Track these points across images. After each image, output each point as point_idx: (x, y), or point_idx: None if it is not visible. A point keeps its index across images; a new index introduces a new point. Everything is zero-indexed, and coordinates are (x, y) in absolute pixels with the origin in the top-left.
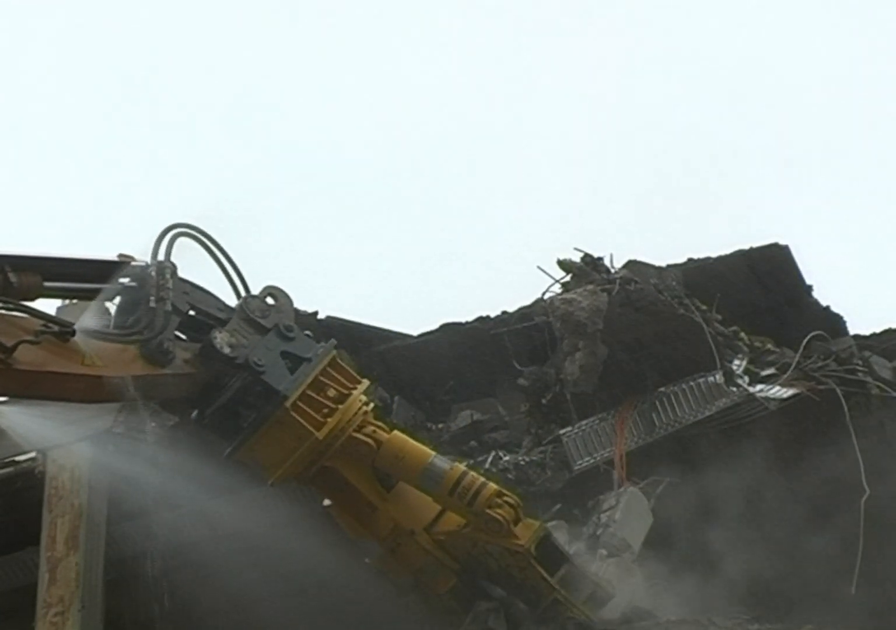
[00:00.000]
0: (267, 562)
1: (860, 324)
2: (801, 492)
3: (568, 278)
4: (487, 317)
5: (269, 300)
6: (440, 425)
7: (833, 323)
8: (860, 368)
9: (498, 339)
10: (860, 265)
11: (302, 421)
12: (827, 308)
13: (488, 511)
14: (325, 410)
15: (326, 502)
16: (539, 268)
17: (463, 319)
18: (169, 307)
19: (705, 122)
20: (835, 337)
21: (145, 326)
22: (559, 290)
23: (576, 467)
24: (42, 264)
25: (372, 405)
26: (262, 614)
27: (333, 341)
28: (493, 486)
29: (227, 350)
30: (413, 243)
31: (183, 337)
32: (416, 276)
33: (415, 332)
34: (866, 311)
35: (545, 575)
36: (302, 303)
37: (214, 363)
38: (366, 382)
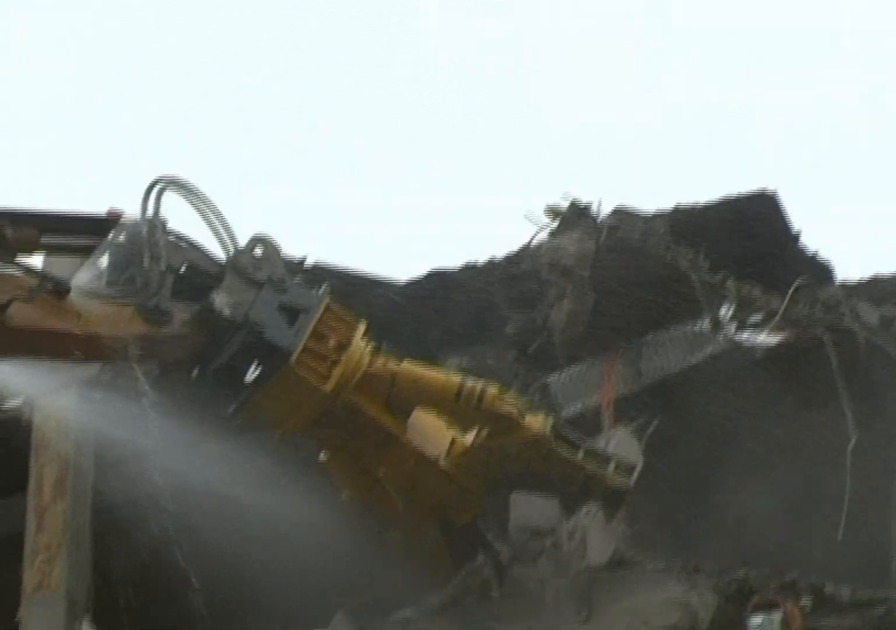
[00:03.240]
0: (253, 507)
1: (847, 271)
2: (786, 439)
3: (555, 225)
4: (475, 264)
5: (258, 251)
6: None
7: (820, 270)
8: (847, 315)
9: (485, 286)
10: (847, 212)
11: (308, 376)
12: (814, 255)
13: (497, 408)
14: (329, 362)
15: (322, 457)
16: (526, 214)
17: (450, 266)
18: (163, 266)
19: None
20: (822, 284)
21: (141, 287)
22: (546, 238)
23: (563, 414)
24: (39, 219)
25: (371, 346)
26: (247, 560)
27: (327, 288)
28: (492, 386)
29: (226, 311)
30: (400, 191)
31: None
32: (403, 224)
33: (402, 280)
34: (853, 258)
35: (569, 456)
36: (290, 250)
37: (214, 325)
38: (362, 325)
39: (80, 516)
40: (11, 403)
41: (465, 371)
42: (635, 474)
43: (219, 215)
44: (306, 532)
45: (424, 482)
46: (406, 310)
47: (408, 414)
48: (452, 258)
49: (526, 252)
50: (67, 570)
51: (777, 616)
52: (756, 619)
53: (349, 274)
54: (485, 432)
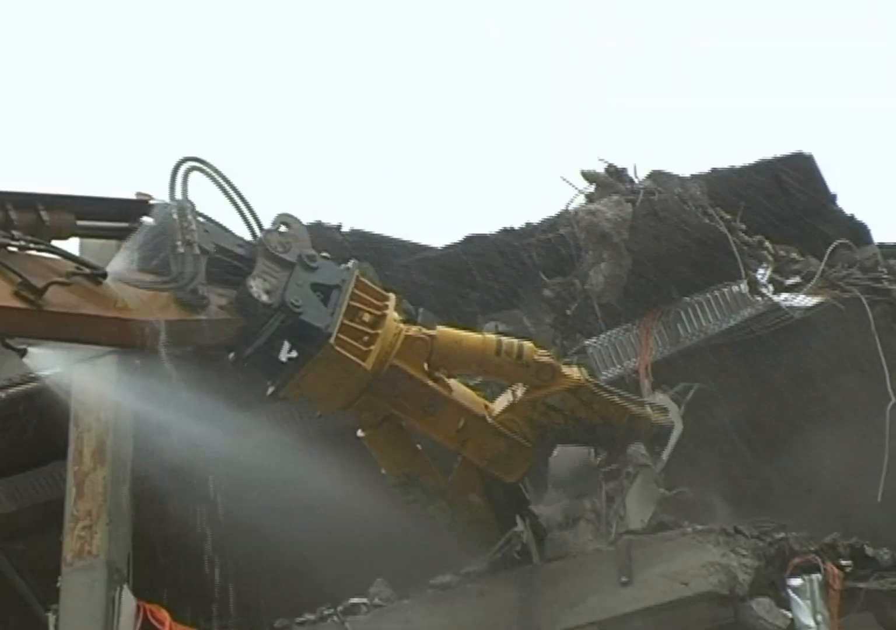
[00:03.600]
0: (293, 476)
1: (885, 232)
2: (825, 401)
3: (592, 189)
4: (512, 228)
5: (283, 229)
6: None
7: (858, 231)
8: (885, 276)
9: (522, 250)
10: (885, 173)
11: (348, 354)
12: (851, 217)
13: (537, 358)
14: (366, 338)
15: (360, 433)
16: (563, 178)
17: (487, 231)
18: (197, 250)
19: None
20: (860, 245)
21: (178, 273)
22: (583, 202)
23: (601, 378)
24: (74, 203)
25: (404, 315)
26: (285, 528)
27: (356, 262)
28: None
29: (264, 298)
30: (436, 156)
31: None
32: (440, 189)
33: (439, 245)
34: (890, 219)
35: (611, 398)
36: (326, 215)
37: (252, 311)
38: (393, 297)
39: (120, 484)
40: (51, 371)
41: (503, 335)
42: (674, 441)
43: (241, 195)
44: (343, 500)
45: (473, 441)
46: (443, 275)
47: (448, 376)
48: (490, 223)
49: (563, 216)
50: (107, 538)
51: (817, 578)
52: (796, 581)
53: (385, 239)
54: (528, 386)
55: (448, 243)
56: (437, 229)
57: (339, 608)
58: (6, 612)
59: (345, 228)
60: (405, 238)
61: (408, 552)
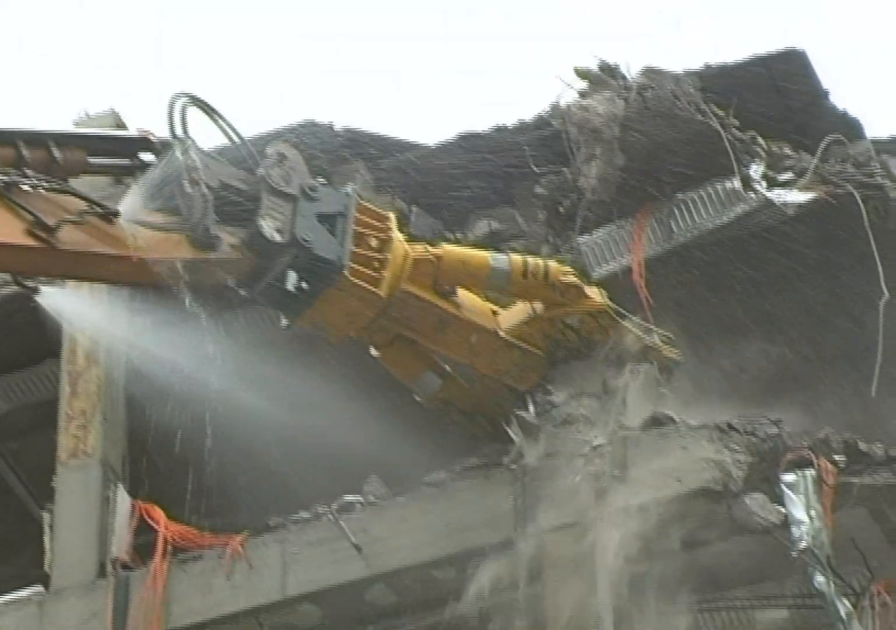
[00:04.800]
0: (287, 376)
1: (877, 128)
2: (818, 296)
3: (585, 86)
4: (504, 126)
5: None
6: (458, 235)
7: (851, 127)
8: (878, 171)
9: (515, 147)
10: (878, 69)
11: (362, 283)
12: (844, 112)
13: (563, 279)
14: (376, 264)
15: (374, 353)
16: (556, 76)
17: (480, 129)
18: (204, 189)
19: None
20: (852, 141)
21: (188, 213)
22: (576, 98)
23: (594, 275)
24: (85, 140)
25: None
26: (282, 427)
27: (354, 187)
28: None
29: (277, 237)
30: (430, 55)
31: None
32: (433, 88)
33: (432, 143)
34: (883, 115)
35: (628, 326)
36: (321, 114)
37: (264, 250)
38: (393, 217)
39: (115, 382)
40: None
41: (496, 233)
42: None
43: (235, 130)
44: (337, 399)
45: (485, 355)
46: (436, 173)
47: (454, 293)
48: (483, 120)
49: (556, 113)
50: (102, 437)
51: (810, 473)
52: (789, 477)
53: (378, 138)
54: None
55: (441, 141)
56: (430, 127)
57: (334, 506)
58: (1, 511)
59: (337, 127)
60: (398, 136)
61: (402, 450)
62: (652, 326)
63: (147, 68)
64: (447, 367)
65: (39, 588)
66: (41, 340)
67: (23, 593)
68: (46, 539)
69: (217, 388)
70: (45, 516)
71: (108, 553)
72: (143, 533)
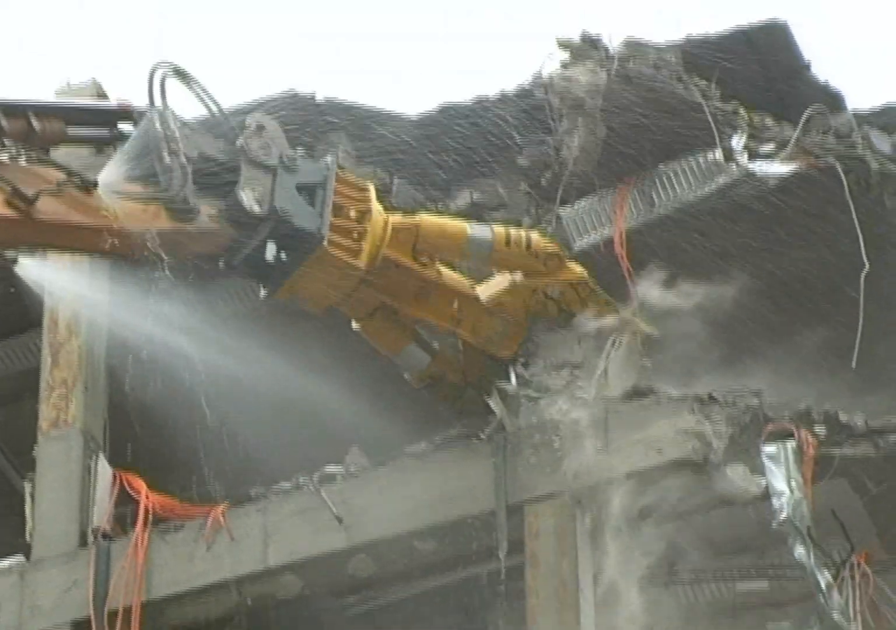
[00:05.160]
0: (265, 347)
1: (858, 100)
2: (799, 266)
3: (566, 57)
4: (486, 97)
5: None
6: (439, 206)
7: (832, 99)
8: (859, 143)
9: (497, 118)
10: (858, 42)
11: (341, 254)
12: (826, 84)
13: (545, 248)
14: (355, 235)
15: (356, 325)
16: (537, 48)
17: (462, 101)
18: (183, 159)
19: None
20: (833, 113)
21: (166, 184)
22: (558, 70)
23: (575, 246)
24: (64, 110)
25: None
26: (262, 399)
27: (333, 159)
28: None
29: (256, 208)
30: (430, 55)
31: None
32: (433, 88)
33: (414, 114)
34: (864, 87)
35: (606, 299)
36: (301, 85)
37: (243, 220)
38: (372, 188)
39: (96, 353)
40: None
41: (478, 204)
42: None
43: (215, 100)
44: (318, 371)
45: (468, 321)
46: (417, 144)
47: (433, 263)
48: (464, 92)
49: (538, 84)
50: (83, 407)
51: (791, 444)
52: (770, 448)
53: (360, 109)
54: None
55: (423, 112)
56: (412, 99)
57: (315, 477)
58: None
59: (319, 98)
60: (379, 107)
61: (383, 421)
62: (631, 302)
63: (147, 68)
64: (433, 344)
65: (20, 558)
66: (22, 310)
67: (4, 563)
68: (27, 509)
69: (198, 358)
70: (27, 486)
71: (89, 523)
72: (125, 503)
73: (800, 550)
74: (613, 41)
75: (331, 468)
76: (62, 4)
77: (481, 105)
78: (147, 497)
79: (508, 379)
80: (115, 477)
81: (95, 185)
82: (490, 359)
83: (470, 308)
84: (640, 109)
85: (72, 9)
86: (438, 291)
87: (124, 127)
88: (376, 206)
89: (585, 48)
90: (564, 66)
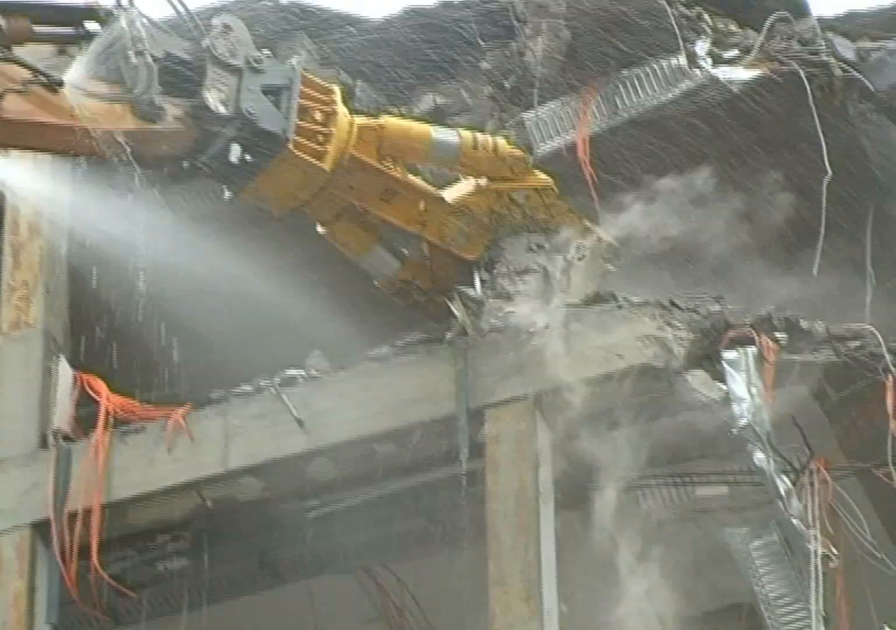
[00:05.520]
0: (225, 250)
1: (822, 6)
2: (764, 173)
3: None
4: (451, 1)
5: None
6: (403, 110)
7: (795, 5)
8: (823, 49)
9: (461, 21)
10: None
11: (307, 157)
12: None
13: (513, 152)
14: (321, 137)
15: (321, 229)
16: None
17: (426, 4)
18: (149, 59)
19: None
20: (798, 19)
21: (132, 84)
22: None
23: (539, 151)
24: (29, 8)
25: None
26: (222, 302)
27: (299, 58)
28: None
29: (221, 109)
30: None
31: None
32: None
33: (377, 17)
34: None
35: (571, 207)
36: None
37: (208, 121)
38: (338, 90)
39: (57, 254)
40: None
41: (441, 108)
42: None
43: (181, 0)
44: (278, 274)
45: (433, 222)
46: (381, 47)
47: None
48: None
49: None
50: (44, 308)
51: (752, 350)
52: (730, 354)
53: (323, 11)
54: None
55: (386, 15)
56: (376, 1)
57: (276, 380)
58: None
59: (282, 1)
60: (342, 10)
61: (344, 324)
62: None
63: None
64: (402, 250)
65: None
66: None
67: None
68: None
69: (161, 260)
70: None
71: (49, 424)
72: (85, 405)
73: (759, 456)
74: None
75: (292, 372)
76: None
77: (445, 8)
78: (108, 399)
79: (472, 284)
80: (75, 379)
81: (62, 84)
82: (458, 262)
83: (435, 209)
84: (604, 13)
85: None
86: (404, 192)
87: (90, 26)
88: (342, 109)
89: None
90: None
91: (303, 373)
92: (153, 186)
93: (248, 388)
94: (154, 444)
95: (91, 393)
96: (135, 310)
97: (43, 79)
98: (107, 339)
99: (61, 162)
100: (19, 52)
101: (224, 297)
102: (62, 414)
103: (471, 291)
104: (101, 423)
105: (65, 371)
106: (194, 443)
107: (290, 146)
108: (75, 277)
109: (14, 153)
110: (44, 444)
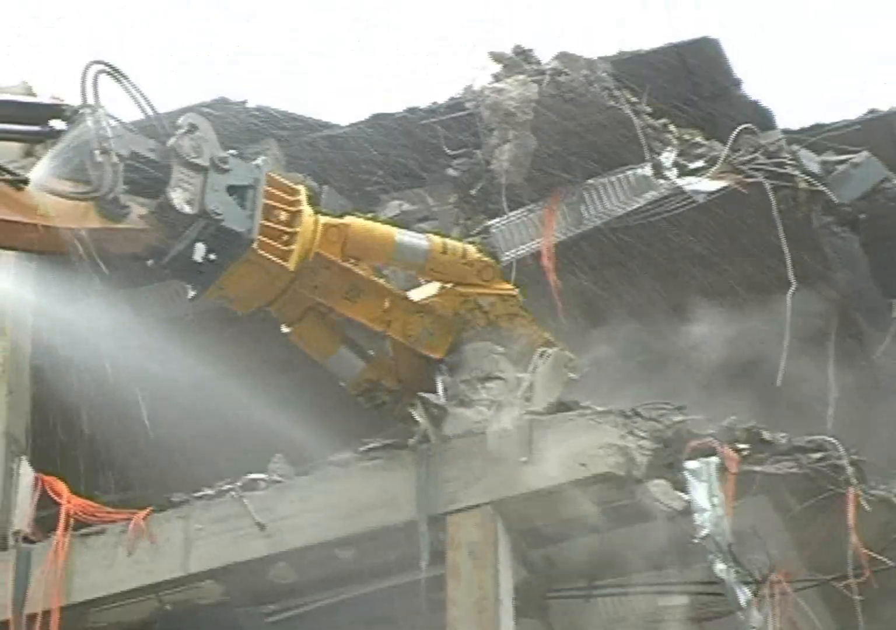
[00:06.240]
0: (190, 353)
1: (788, 119)
2: (726, 284)
3: (498, 69)
4: (417, 107)
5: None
6: (369, 215)
7: (762, 117)
8: (788, 162)
9: (428, 128)
10: (789, 61)
11: (271, 257)
12: (756, 102)
13: (481, 259)
14: (286, 237)
15: (286, 329)
16: (469, 60)
17: (392, 110)
18: (114, 158)
19: None
20: (763, 131)
21: (98, 182)
22: (490, 81)
23: (504, 259)
24: None
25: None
26: (186, 405)
27: (265, 159)
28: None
29: (186, 208)
30: (344, 33)
31: None
32: (346, 68)
33: (344, 123)
34: (794, 105)
35: (533, 319)
36: (232, 92)
37: (173, 220)
38: (303, 190)
39: (21, 354)
40: None
41: (407, 213)
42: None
43: (147, 100)
44: (242, 377)
45: (398, 321)
46: (348, 153)
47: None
48: (395, 101)
49: (469, 95)
50: (6, 409)
51: (714, 461)
52: (692, 464)
53: (290, 116)
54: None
55: (353, 121)
56: (344, 108)
57: (238, 484)
58: None
59: (250, 104)
60: (309, 115)
61: (308, 429)
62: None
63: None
64: (367, 350)
65: None
66: None
67: None
68: None
69: (124, 362)
70: None
71: (9, 525)
72: (46, 506)
73: (720, 567)
74: (545, 55)
75: (254, 475)
76: None
77: (412, 115)
78: (69, 501)
79: (434, 390)
80: (36, 480)
81: (27, 182)
82: (423, 363)
83: (400, 308)
84: (571, 123)
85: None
86: (369, 290)
87: (56, 124)
88: (307, 209)
89: (517, 61)
90: (496, 78)
91: (265, 477)
92: (117, 288)
93: (209, 491)
94: (114, 546)
95: (52, 494)
96: (97, 412)
97: (8, 176)
98: (69, 442)
99: (25, 261)
100: None
101: (187, 400)
102: (22, 515)
103: (433, 397)
104: (61, 524)
105: (26, 472)
106: (155, 546)
107: (255, 246)
108: (38, 379)
109: None
110: (3, 545)
